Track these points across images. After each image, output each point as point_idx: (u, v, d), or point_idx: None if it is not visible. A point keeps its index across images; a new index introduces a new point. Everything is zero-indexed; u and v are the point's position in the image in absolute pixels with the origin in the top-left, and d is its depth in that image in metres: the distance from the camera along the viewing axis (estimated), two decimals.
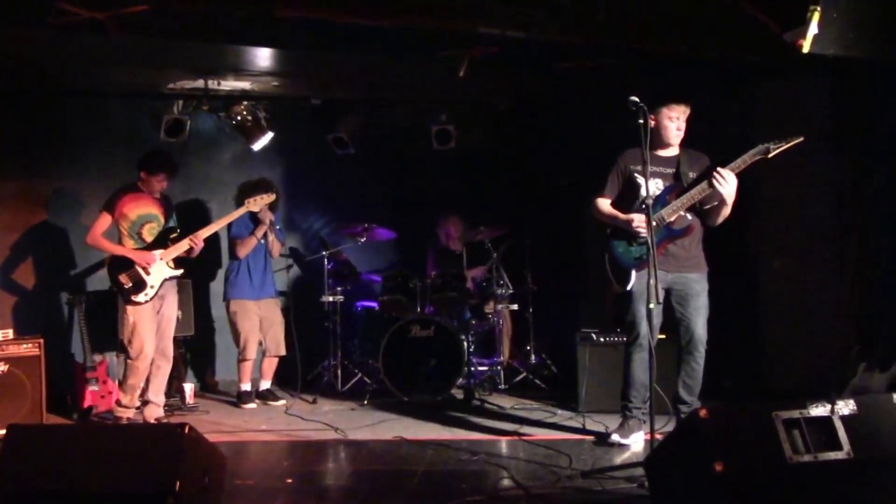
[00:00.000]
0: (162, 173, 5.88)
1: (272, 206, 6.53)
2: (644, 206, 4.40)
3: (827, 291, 6.07)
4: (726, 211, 4.80)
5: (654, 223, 4.73)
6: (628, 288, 4.88)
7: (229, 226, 6.60)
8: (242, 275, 6.67)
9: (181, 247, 5.79)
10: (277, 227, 6.71)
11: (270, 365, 6.83)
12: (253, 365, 6.74)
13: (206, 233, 5.92)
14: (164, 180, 5.91)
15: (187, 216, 7.18)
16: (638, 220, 4.80)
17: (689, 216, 4.89)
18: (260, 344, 6.74)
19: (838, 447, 3.11)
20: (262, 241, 6.66)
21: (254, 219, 6.60)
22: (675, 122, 4.90)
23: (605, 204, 5.05)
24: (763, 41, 4.95)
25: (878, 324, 5.68)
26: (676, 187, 4.86)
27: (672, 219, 4.80)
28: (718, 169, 4.63)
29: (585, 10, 4.99)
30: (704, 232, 5.02)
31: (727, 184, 4.61)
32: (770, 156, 4.59)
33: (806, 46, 4.32)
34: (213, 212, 7.42)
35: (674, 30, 5.31)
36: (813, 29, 4.28)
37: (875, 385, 5.09)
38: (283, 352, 6.79)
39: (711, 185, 4.65)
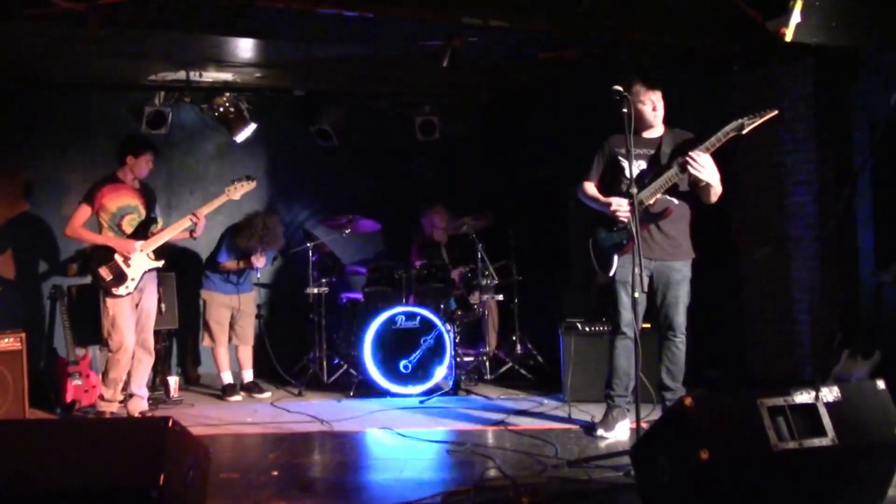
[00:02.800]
0: (148, 152, 5.83)
1: (274, 245, 6.73)
2: (628, 193, 4.40)
3: (810, 280, 6.10)
4: (714, 189, 4.75)
5: (626, 208, 4.75)
6: (611, 274, 4.87)
7: (217, 246, 6.77)
8: (218, 275, 6.79)
9: (162, 237, 5.76)
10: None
11: (245, 354, 6.85)
12: (225, 353, 6.77)
13: (205, 210, 5.90)
14: (151, 160, 5.86)
15: (169, 208, 7.16)
16: (616, 203, 4.81)
17: (675, 200, 4.86)
18: (231, 329, 6.77)
19: (823, 434, 3.13)
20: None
21: (245, 260, 6.68)
22: (648, 104, 4.88)
23: (589, 187, 5.07)
24: (746, 30, 4.97)
25: (861, 311, 5.72)
26: (654, 169, 4.87)
27: (651, 202, 4.79)
28: (690, 154, 4.59)
29: (568, 1, 4.98)
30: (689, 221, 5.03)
31: (701, 166, 4.58)
32: (745, 132, 4.55)
33: (789, 35, 4.33)
34: (196, 203, 7.33)
35: (656, 19, 5.31)
36: (795, 17, 4.29)
37: (858, 372, 5.13)
38: (249, 342, 6.86)
39: (684, 170, 4.64)
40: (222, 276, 6.75)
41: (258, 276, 6.85)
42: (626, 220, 4.75)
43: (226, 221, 6.98)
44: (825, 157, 6.00)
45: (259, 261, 6.66)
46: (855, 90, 5.80)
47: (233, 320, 6.78)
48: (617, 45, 5.66)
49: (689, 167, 4.59)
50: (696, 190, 4.84)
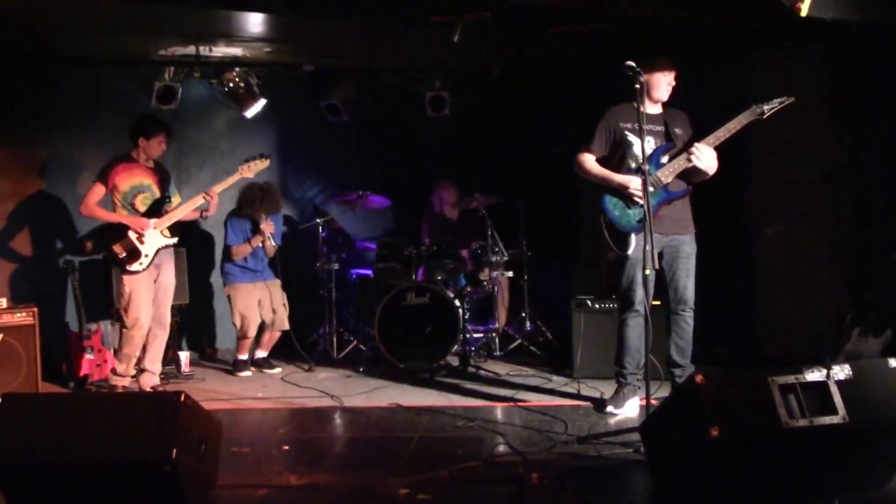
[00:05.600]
0: (161, 133, 5.82)
1: (274, 207, 6.69)
2: (640, 168, 4.38)
3: (821, 257, 6.08)
4: (705, 177, 4.83)
5: (651, 185, 4.72)
6: (629, 252, 4.80)
7: (225, 234, 6.71)
8: (236, 267, 6.74)
9: (176, 214, 5.78)
10: (273, 233, 6.75)
11: (271, 338, 6.83)
12: (251, 343, 6.74)
13: (219, 188, 5.92)
14: (163, 141, 5.85)
15: (179, 184, 7.15)
16: (635, 184, 4.73)
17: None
18: (263, 316, 6.72)
19: (834, 412, 3.12)
20: (259, 245, 6.72)
21: (254, 227, 6.64)
22: (667, 77, 4.87)
23: (591, 161, 4.95)
24: (761, 5, 4.91)
25: (872, 289, 5.70)
26: (670, 148, 4.84)
27: (668, 180, 4.78)
28: (695, 145, 4.67)
29: None
30: (698, 198, 5.00)
31: (703, 157, 4.66)
32: (765, 117, 4.60)
33: (804, 10, 4.30)
34: (206, 179, 7.36)
35: None
36: None
37: (869, 350, 5.12)
38: (285, 327, 6.78)
39: (689, 160, 4.69)
40: (241, 269, 6.71)
41: (275, 243, 6.76)
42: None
43: (231, 206, 6.94)
44: (840, 134, 5.95)
45: (268, 226, 6.62)
46: (871, 66, 5.73)
47: (263, 307, 6.68)
48: (630, 20, 5.60)
49: (693, 157, 4.67)
50: (693, 173, 4.86)
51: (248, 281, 6.71)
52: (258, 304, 6.68)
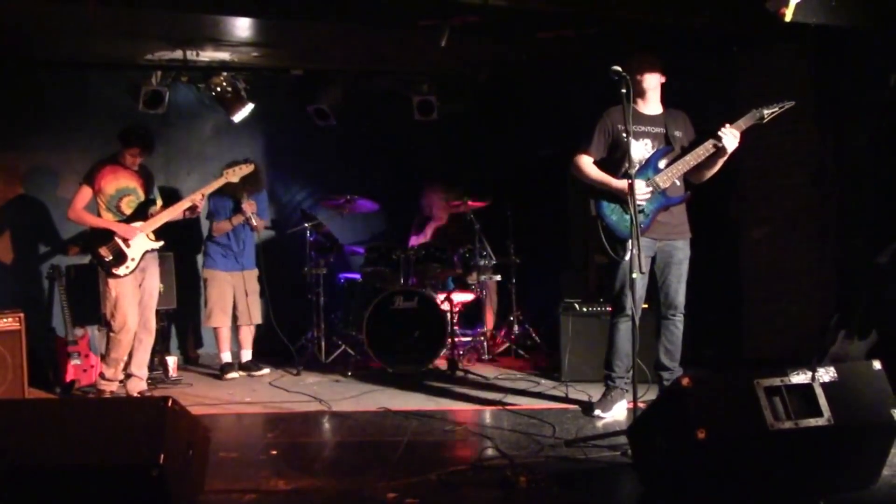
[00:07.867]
0: (135, 148, 5.77)
1: (256, 186, 6.63)
2: (627, 173, 4.38)
3: (807, 260, 6.11)
4: (716, 169, 4.82)
5: (648, 189, 4.72)
6: (626, 258, 4.67)
7: (207, 204, 6.65)
8: (217, 248, 6.73)
9: (162, 218, 5.76)
10: (255, 213, 6.66)
11: (246, 334, 6.84)
12: (227, 333, 6.76)
13: (207, 191, 5.93)
14: (136, 155, 5.80)
15: (167, 188, 7.15)
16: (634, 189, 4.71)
17: (678, 181, 4.86)
18: (234, 312, 6.75)
19: (819, 414, 3.15)
20: (242, 224, 6.68)
21: (236, 207, 6.61)
22: (639, 79, 4.82)
23: (589, 163, 4.90)
24: (745, 10, 4.95)
25: (858, 292, 5.73)
26: (668, 152, 4.82)
27: (666, 185, 4.77)
28: (727, 128, 4.63)
29: None
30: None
31: (734, 139, 4.64)
32: (765, 121, 4.63)
33: (788, 15, 4.33)
34: (194, 183, 7.34)
35: None
36: None
37: (854, 352, 5.15)
38: (257, 320, 6.82)
39: (717, 145, 4.66)
40: (223, 251, 6.71)
41: (262, 220, 6.76)
42: (642, 203, 4.69)
43: None
44: (824, 137, 5.99)
45: (249, 206, 6.56)
46: (855, 70, 5.78)
47: (236, 300, 6.74)
48: (616, 23, 5.62)
49: (725, 139, 4.63)
50: (698, 170, 4.84)
51: (226, 269, 6.71)
52: (231, 295, 6.71)
